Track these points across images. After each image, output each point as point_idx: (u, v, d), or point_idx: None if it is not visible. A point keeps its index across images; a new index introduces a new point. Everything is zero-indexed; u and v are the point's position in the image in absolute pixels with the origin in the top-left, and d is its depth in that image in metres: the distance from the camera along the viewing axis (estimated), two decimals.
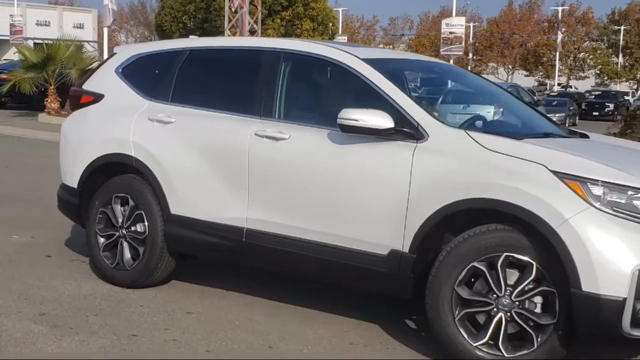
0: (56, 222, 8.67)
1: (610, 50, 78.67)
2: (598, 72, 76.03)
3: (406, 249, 5.28)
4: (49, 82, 24.66)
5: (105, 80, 7.08)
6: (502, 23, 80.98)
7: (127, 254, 6.64)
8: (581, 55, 79.28)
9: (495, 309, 4.99)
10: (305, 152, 5.76)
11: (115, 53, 7.27)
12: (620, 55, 77.01)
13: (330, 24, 43.36)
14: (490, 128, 5.78)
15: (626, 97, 56.39)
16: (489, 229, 5.02)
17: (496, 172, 5.01)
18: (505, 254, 4.94)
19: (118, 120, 6.75)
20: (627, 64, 76.57)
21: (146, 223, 6.51)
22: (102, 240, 6.77)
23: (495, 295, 4.99)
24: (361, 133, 5.41)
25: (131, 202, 6.60)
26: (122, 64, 7.05)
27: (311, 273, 5.89)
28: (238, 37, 7.69)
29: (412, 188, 5.25)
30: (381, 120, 5.35)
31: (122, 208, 6.69)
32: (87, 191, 6.87)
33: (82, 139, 6.93)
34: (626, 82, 74.42)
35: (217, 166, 6.14)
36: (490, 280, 4.99)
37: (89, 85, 7.18)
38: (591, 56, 78.04)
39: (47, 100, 24.95)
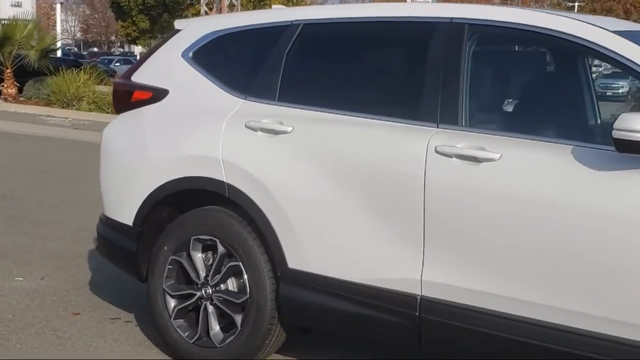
0: (63, 253, 6.65)
1: None
2: None
3: None
4: (5, 65, 22.35)
5: (169, 69, 4.90)
6: (453, 0, 79.50)
7: (216, 325, 4.53)
8: None
9: None
10: (531, 182, 3.67)
11: (178, 30, 5.05)
12: None
13: (302, 1, 41.26)
14: None
15: None
16: None
17: None
18: None
19: (197, 128, 4.60)
20: None
21: (246, 280, 4.40)
22: (173, 302, 4.64)
23: None
24: None
25: (220, 249, 4.48)
26: (193, 45, 4.86)
27: None
28: (381, 5, 5.25)
29: None
30: None
31: (204, 256, 4.58)
32: (148, 231, 4.74)
33: (141, 156, 4.76)
34: None
35: (368, 199, 4.03)
36: None
37: (143, 77, 4.98)
38: None
39: (3, 86, 22.62)
